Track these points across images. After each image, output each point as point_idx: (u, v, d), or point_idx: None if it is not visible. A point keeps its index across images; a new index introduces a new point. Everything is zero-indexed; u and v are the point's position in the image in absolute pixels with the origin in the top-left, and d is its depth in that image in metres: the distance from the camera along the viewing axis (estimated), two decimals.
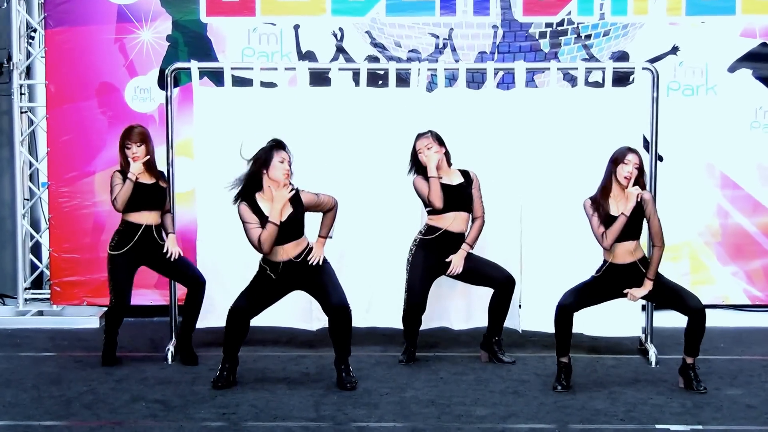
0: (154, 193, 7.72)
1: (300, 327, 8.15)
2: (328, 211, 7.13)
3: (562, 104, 8.02)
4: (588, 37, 9.31)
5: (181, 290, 8.35)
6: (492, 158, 8.00)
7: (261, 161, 6.90)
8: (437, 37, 9.33)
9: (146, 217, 7.70)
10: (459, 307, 8.15)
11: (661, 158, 8.63)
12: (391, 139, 7.92)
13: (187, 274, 7.84)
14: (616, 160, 6.98)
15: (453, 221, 7.59)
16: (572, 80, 8.97)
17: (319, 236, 7.15)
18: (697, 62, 9.29)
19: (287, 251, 7.00)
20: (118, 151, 7.74)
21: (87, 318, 9.23)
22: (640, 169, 6.97)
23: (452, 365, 7.74)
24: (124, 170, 7.68)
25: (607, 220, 6.95)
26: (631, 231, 6.99)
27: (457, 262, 7.59)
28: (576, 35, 9.31)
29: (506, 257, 8.01)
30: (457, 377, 7.45)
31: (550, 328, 7.74)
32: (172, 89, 8.15)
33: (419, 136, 7.61)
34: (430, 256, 7.60)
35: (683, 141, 9.24)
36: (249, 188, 6.95)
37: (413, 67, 8.17)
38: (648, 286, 7.06)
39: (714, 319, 9.00)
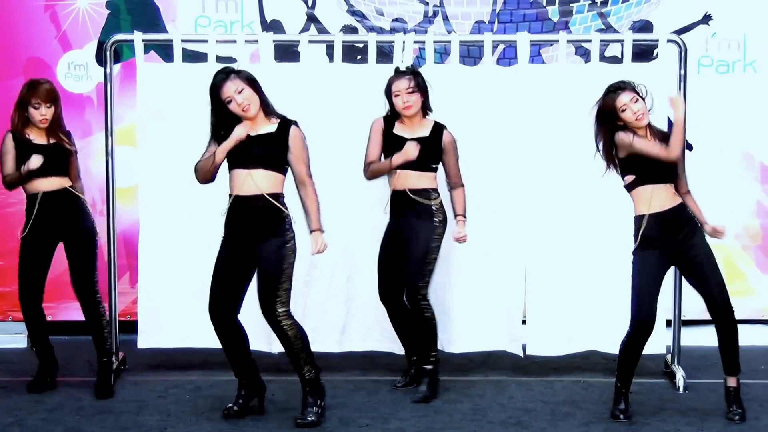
0: (55, 156, 7.65)
1: (260, 349, 8.14)
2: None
3: (574, 83, 8.05)
4: (604, 3, 9.37)
5: (122, 303, 8.36)
6: (491, 145, 8.01)
7: None
8: (426, 3, 9.39)
9: (45, 184, 7.65)
10: (454, 328, 8.15)
11: (690, 147, 8.71)
12: (370, 123, 7.91)
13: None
14: (609, 112, 6.94)
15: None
16: (585, 55, 9.02)
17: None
18: (734, 33, 9.37)
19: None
20: (14, 109, 7.64)
21: (12, 336, 9.25)
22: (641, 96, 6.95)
23: (444, 391, 7.74)
24: (19, 133, 7.62)
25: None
26: (666, 170, 6.93)
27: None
28: (590, 2, 9.36)
29: (506, 261, 8.03)
30: (450, 406, 7.46)
31: (558, 350, 7.80)
32: (113, 65, 8.17)
33: (398, 74, 7.57)
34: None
35: (716, 126, 9.29)
36: None
37: (397, 39, 8.16)
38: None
39: (753, 337, 9.18)
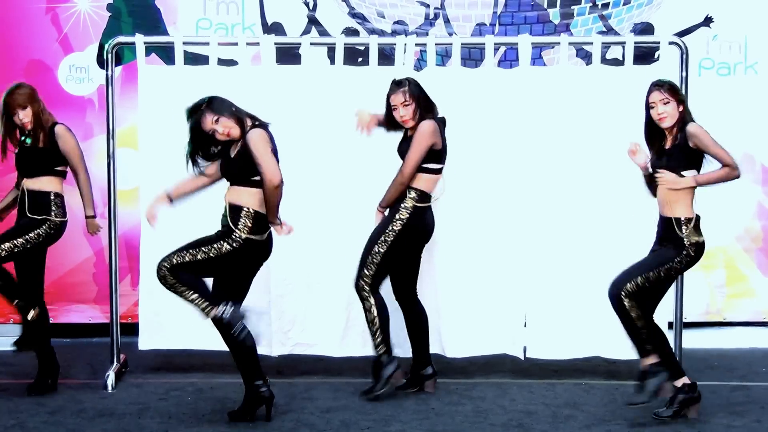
0: (30, 157, 7.75)
1: (259, 352, 8.12)
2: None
3: (575, 85, 8.03)
4: (605, 6, 9.37)
5: (123, 306, 8.35)
6: (492, 148, 8.00)
7: None
8: (427, 6, 9.39)
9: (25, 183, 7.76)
10: (454, 332, 8.12)
11: None
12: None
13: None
14: (646, 104, 7.10)
15: None
16: (587, 57, 9.01)
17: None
18: (735, 35, 9.37)
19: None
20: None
21: (13, 339, 9.10)
22: (677, 100, 7.03)
23: (446, 394, 7.73)
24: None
25: (660, 151, 7.09)
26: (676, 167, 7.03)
27: None
28: (591, 4, 9.37)
29: (507, 264, 8.01)
30: (451, 408, 7.44)
31: (559, 354, 7.79)
32: (114, 68, 8.16)
33: (395, 85, 7.53)
34: None
35: (717, 128, 9.07)
36: None
37: (398, 41, 8.15)
38: (684, 182, 7.04)
39: (754, 339, 9.22)
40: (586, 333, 8.00)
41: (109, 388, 7.87)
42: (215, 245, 6.90)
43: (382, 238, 7.47)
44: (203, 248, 6.91)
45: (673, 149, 6.98)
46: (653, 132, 7.08)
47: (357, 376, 8.06)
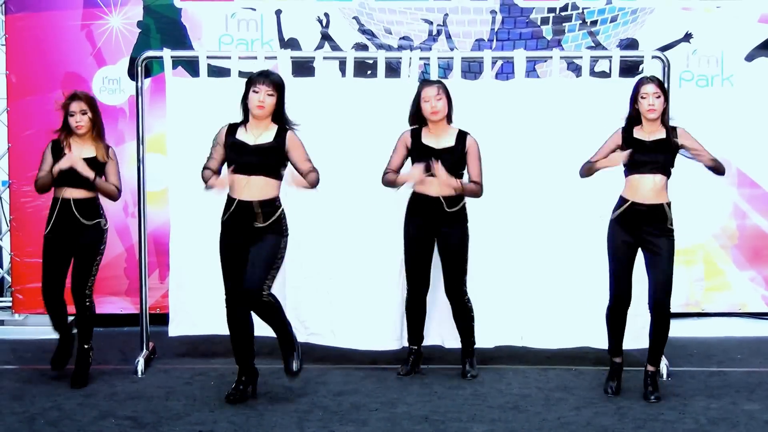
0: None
1: (265, 335, 8.13)
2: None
3: (566, 96, 8.03)
4: (594, 23, 9.36)
5: (152, 298, 8.38)
6: (489, 154, 7.97)
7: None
8: (431, 23, 9.37)
9: (69, 192, 7.59)
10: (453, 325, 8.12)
11: None
12: (380, 134, 7.91)
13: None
14: (635, 95, 7.15)
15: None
16: (577, 70, 8.97)
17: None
18: (712, 50, 9.35)
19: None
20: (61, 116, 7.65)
21: (51, 328, 9.14)
22: (665, 97, 7.14)
23: (447, 379, 7.74)
24: (59, 142, 7.63)
25: (633, 144, 7.13)
26: (658, 163, 7.08)
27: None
28: (581, 21, 9.35)
29: (504, 263, 8.03)
30: (452, 391, 7.46)
31: (554, 344, 7.81)
32: (144, 80, 8.19)
33: (427, 83, 7.58)
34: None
35: (697, 135, 9.15)
36: None
37: (404, 55, 8.17)
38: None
39: (730, 329, 9.23)
40: (577, 325, 7.99)
41: (139, 373, 7.91)
42: (281, 250, 6.97)
43: (466, 247, 7.64)
44: (277, 260, 6.95)
45: (665, 144, 7.10)
46: (631, 125, 7.17)
47: (366, 363, 8.09)
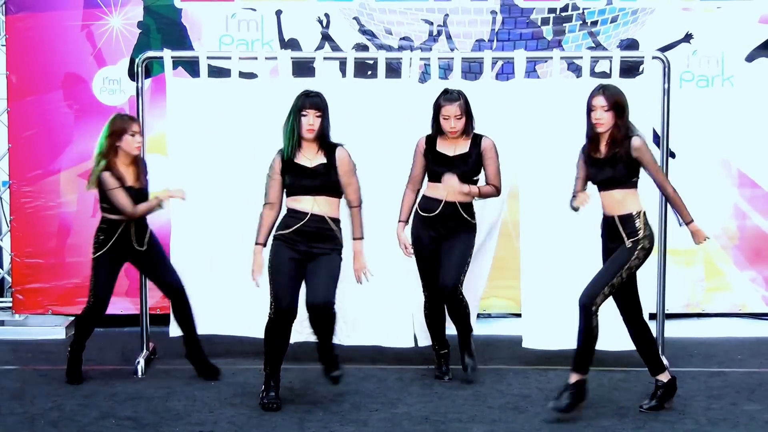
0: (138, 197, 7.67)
1: None
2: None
3: (566, 96, 7.97)
4: (594, 23, 9.36)
5: (152, 298, 8.37)
6: None
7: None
8: (431, 23, 9.37)
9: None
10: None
11: (673, 155, 8.68)
12: (381, 134, 7.92)
13: (165, 281, 7.85)
14: (587, 106, 6.87)
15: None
16: (577, 70, 8.98)
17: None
18: (713, 51, 9.35)
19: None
20: (110, 144, 7.54)
21: (52, 328, 9.25)
22: (616, 108, 6.75)
23: (448, 379, 7.75)
24: (114, 167, 7.55)
25: (591, 162, 6.88)
26: (613, 179, 6.80)
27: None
28: (581, 21, 9.36)
29: (504, 262, 8.03)
30: (452, 392, 7.47)
31: (553, 345, 7.79)
32: (144, 80, 8.19)
33: (448, 98, 7.45)
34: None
35: (697, 136, 9.31)
36: None
37: (405, 56, 8.16)
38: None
39: (731, 329, 9.23)
40: (578, 325, 7.95)
41: (139, 373, 7.91)
42: (340, 265, 7.06)
43: (472, 248, 7.67)
44: (338, 274, 7.05)
45: (618, 159, 6.76)
46: (591, 136, 6.90)
47: (366, 363, 8.09)
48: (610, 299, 6.91)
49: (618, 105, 6.76)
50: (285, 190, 7.07)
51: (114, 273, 7.76)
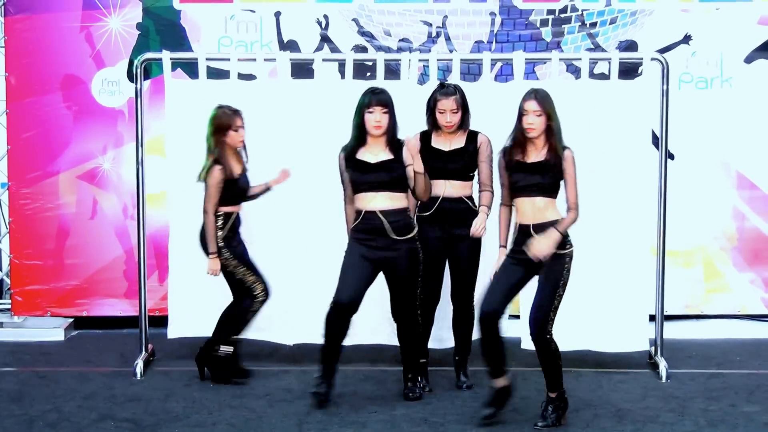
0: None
1: (276, 341, 8.19)
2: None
3: (565, 98, 7.81)
4: (593, 25, 9.36)
5: (151, 300, 8.37)
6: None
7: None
8: (430, 25, 9.38)
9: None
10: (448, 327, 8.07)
11: (672, 156, 8.68)
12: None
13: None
14: (519, 110, 6.73)
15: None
16: (576, 72, 8.98)
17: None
18: (711, 52, 9.35)
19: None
20: (216, 140, 7.59)
21: (51, 330, 9.21)
22: (547, 113, 6.63)
23: (446, 380, 7.72)
24: (224, 162, 7.58)
25: (516, 166, 6.69)
26: (540, 186, 6.64)
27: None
28: (580, 23, 9.36)
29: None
30: (450, 393, 7.46)
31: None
32: (143, 82, 8.18)
33: (444, 92, 7.36)
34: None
35: (696, 138, 9.30)
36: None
37: (404, 57, 8.15)
38: (550, 240, 6.51)
39: (730, 331, 9.21)
40: (576, 327, 7.93)
41: (138, 375, 7.89)
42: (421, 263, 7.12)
43: (478, 254, 7.60)
44: (419, 275, 7.15)
45: (549, 166, 6.62)
46: (519, 141, 6.71)
47: (365, 364, 8.08)
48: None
49: (549, 110, 6.65)
50: (351, 186, 7.15)
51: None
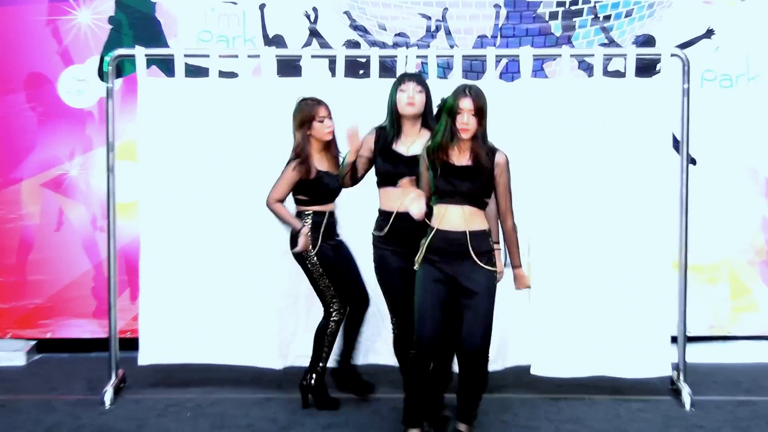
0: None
1: (263, 366, 8.05)
2: None
3: (576, 97, 7.93)
4: (607, 18, 9.30)
5: (122, 320, 8.24)
6: None
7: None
8: (429, 18, 9.31)
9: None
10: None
11: (693, 161, 8.69)
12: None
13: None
14: (451, 107, 6.56)
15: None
16: (588, 69, 8.97)
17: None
18: (736, 48, 9.26)
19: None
20: (302, 135, 7.46)
21: (11, 353, 9.13)
22: (480, 112, 6.51)
23: (448, 410, 7.54)
24: (307, 158, 7.45)
25: (444, 170, 6.54)
26: (476, 192, 6.53)
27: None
28: (593, 16, 9.29)
29: (510, 282, 7.84)
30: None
31: (564, 372, 7.73)
32: (114, 80, 8.10)
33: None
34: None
35: (720, 141, 9.22)
36: None
37: (400, 53, 8.05)
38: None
39: (759, 353, 9.29)
40: (590, 351, 7.87)
41: (107, 403, 7.76)
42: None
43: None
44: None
45: (480, 172, 6.51)
46: (446, 141, 6.57)
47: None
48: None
49: (482, 109, 6.55)
50: (378, 179, 7.00)
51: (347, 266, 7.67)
